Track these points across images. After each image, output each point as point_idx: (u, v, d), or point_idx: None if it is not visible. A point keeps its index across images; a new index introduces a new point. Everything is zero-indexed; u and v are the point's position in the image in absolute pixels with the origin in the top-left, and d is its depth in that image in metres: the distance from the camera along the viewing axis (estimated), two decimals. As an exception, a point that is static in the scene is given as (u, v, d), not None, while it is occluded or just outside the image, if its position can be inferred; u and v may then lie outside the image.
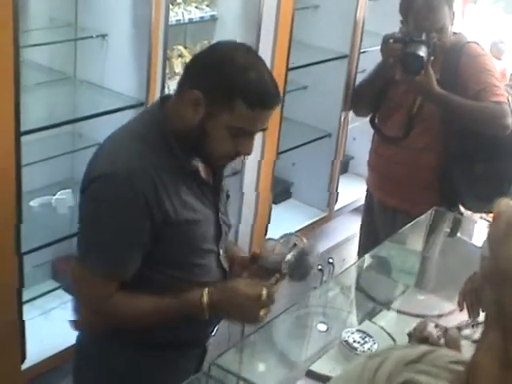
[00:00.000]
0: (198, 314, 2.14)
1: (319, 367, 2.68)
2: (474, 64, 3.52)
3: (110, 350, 2.25)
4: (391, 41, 3.54)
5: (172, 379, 2.25)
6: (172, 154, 2.06)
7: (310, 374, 2.64)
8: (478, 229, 3.71)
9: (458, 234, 3.68)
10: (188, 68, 2.13)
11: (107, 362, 2.28)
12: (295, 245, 2.38)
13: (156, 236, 2.05)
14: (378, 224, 4.00)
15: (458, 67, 3.56)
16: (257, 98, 2.00)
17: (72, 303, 2.27)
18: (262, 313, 2.17)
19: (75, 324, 2.25)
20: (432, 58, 3.47)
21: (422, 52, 3.43)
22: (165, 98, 2.18)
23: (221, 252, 2.30)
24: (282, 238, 2.45)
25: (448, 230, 3.63)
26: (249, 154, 2.19)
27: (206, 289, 2.13)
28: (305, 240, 2.41)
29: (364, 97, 3.88)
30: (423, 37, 3.46)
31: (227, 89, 1.99)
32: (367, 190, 4.11)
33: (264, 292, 2.14)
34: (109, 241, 2.02)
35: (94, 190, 2.00)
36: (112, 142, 2.11)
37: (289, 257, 2.34)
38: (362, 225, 4.20)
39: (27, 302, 2.85)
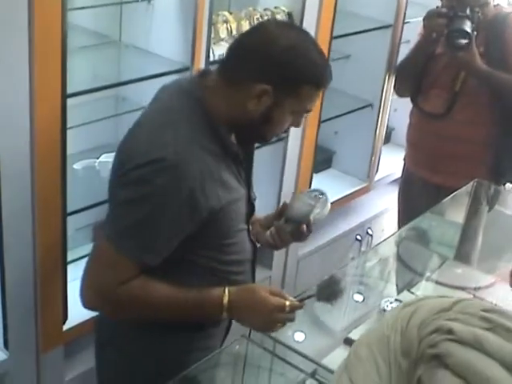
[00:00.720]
0: (215, 312, 2.13)
1: (357, 335, 2.69)
2: None
3: (126, 329, 2.26)
4: (435, 15, 3.51)
5: (195, 357, 2.23)
6: (216, 136, 2.04)
7: (348, 342, 2.66)
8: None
9: (497, 207, 3.67)
10: (240, 56, 2.07)
11: (126, 345, 2.29)
12: (319, 197, 2.40)
13: (196, 226, 2.04)
14: (419, 201, 3.95)
15: (504, 39, 3.53)
16: (320, 79, 2.05)
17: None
18: (278, 324, 2.17)
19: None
20: (475, 32, 3.45)
21: (468, 27, 3.40)
22: (203, 75, 2.16)
23: (250, 227, 2.31)
24: (308, 191, 2.48)
25: (487, 202, 3.61)
26: (299, 127, 2.23)
27: (227, 289, 2.11)
28: (328, 196, 2.42)
29: (406, 75, 3.86)
30: (467, 11, 3.43)
31: (294, 78, 2.01)
32: (404, 167, 4.10)
33: (287, 304, 2.13)
34: (144, 226, 1.98)
35: (140, 174, 1.95)
36: (155, 120, 2.07)
37: (316, 211, 2.35)
38: (399, 203, 4.18)
39: (71, 262, 2.87)
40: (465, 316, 0.93)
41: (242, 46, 2.10)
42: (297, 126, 2.18)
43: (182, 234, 2.03)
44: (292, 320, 2.17)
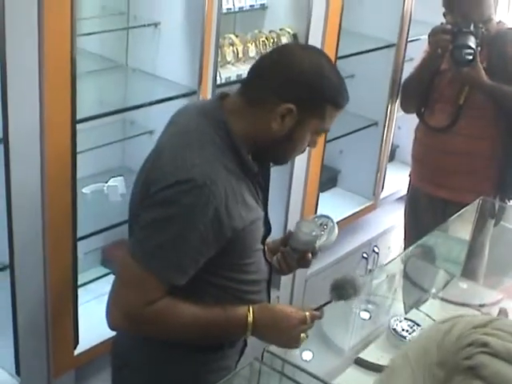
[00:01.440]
0: (240, 331, 2.16)
1: (368, 355, 2.70)
2: None
3: (145, 350, 2.27)
4: (440, 32, 3.54)
5: (212, 378, 2.24)
6: (238, 156, 2.06)
7: (359, 362, 2.66)
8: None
9: (502, 222, 3.68)
10: (264, 76, 2.09)
11: (143, 366, 2.29)
12: (325, 225, 2.40)
13: (220, 246, 2.05)
14: (426, 218, 3.96)
15: (506, 54, 3.56)
16: (342, 100, 2.08)
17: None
18: (302, 336, 2.21)
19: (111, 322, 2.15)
20: (479, 48, 3.47)
21: (472, 43, 3.43)
22: (223, 97, 2.16)
23: (265, 248, 2.32)
24: (314, 218, 2.49)
25: (493, 219, 3.62)
26: (315, 147, 2.26)
27: (251, 308, 2.14)
28: (335, 222, 2.43)
29: (412, 91, 3.88)
30: (471, 28, 3.46)
31: (318, 98, 2.04)
32: (409, 184, 4.11)
33: (307, 314, 2.19)
34: (173, 245, 1.98)
35: (168, 195, 1.96)
36: (177, 143, 2.08)
37: (322, 239, 2.37)
38: (406, 219, 4.19)
39: (80, 286, 2.89)
40: (499, 332, 0.95)
41: (265, 65, 2.11)
42: (313, 146, 2.21)
43: (208, 254, 2.04)
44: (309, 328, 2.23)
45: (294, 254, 2.41)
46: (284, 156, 2.20)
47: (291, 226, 3.65)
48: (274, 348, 2.27)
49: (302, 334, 2.20)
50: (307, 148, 2.21)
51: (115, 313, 2.08)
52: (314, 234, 2.37)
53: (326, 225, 2.42)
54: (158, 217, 1.99)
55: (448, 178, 3.78)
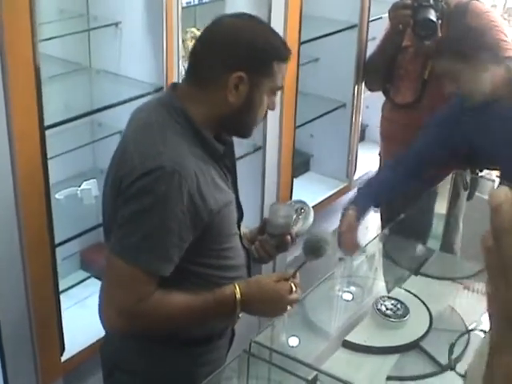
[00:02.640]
0: (231, 310, 2.18)
1: (355, 337, 2.70)
2: (480, 21, 3.51)
3: (135, 350, 2.28)
4: (400, 7, 3.55)
5: (205, 370, 2.27)
6: (202, 140, 2.09)
7: (347, 345, 2.66)
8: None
9: (478, 194, 3.69)
10: (206, 55, 2.11)
11: (134, 366, 2.30)
12: (301, 210, 2.41)
13: (198, 231, 2.07)
14: None
15: (464, 27, 3.56)
16: (285, 52, 2.15)
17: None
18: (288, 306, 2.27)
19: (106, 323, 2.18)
20: (440, 20, 3.48)
21: (433, 16, 3.44)
22: (174, 87, 2.21)
23: (241, 232, 2.34)
24: (289, 203, 2.49)
25: (466, 191, 3.63)
26: (274, 109, 2.27)
27: (237, 285, 2.18)
28: (310, 207, 2.44)
29: (375, 69, 3.89)
30: (431, 1, 3.47)
31: (263, 57, 2.09)
32: (380, 161, 4.12)
33: (292, 284, 2.24)
34: (156, 235, 2.00)
35: (140, 186, 1.98)
36: (141, 136, 2.09)
37: (299, 224, 2.37)
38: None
39: (62, 292, 2.88)
40: None
41: (203, 45, 2.15)
42: (273, 107, 2.22)
43: (188, 240, 2.06)
44: (298, 299, 2.31)
45: (272, 240, 2.42)
46: (248, 125, 2.21)
47: (267, 213, 3.68)
48: (260, 338, 2.28)
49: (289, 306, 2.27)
50: (268, 112, 2.24)
51: (110, 314, 2.08)
52: (289, 216, 2.39)
53: (302, 209, 2.42)
54: (136, 210, 2.00)
55: None
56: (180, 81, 2.88)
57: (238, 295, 2.16)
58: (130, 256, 2.01)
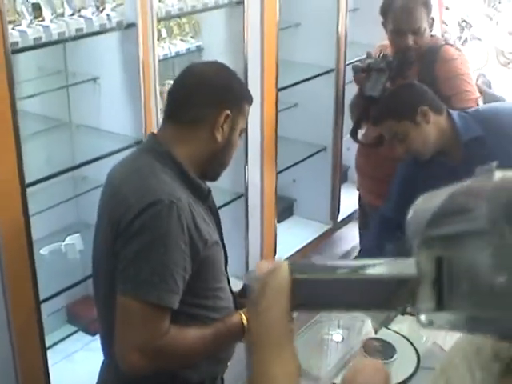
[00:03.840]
0: (240, 337, 2.18)
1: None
2: (447, 68, 3.55)
3: None
4: (358, 71, 3.63)
5: None
6: (188, 181, 2.12)
7: (336, 389, 2.66)
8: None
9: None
10: (188, 96, 2.16)
11: None
12: None
13: (196, 265, 2.08)
14: None
15: (434, 72, 3.61)
16: (251, 96, 2.27)
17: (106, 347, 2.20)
18: None
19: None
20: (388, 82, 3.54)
21: (379, 85, 3.51)
22: (154, 134, 2.25)
23: (228, 275, 2.35)
24: None
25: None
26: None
27: (241, 311, 2.20)
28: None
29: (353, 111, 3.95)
30: (382, 65, 3.54)
31: (240, 98, 2.20)
32: (359, 198, 4.16)
33: None
34: (164, 269, 1.99)
35: (141, 223, 1.98)
36: (132, 177, 2.11)
37: None
38: (359, 229, 4.23)
39: (48, 348, 2.86)
40: None
41: (185, 87, 2.19)
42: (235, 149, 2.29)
43: (189, 272, 2.06)
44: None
45: None
46: (223, 166, 2.27)
47: (252, 257, 3.68)
48: None
49: None
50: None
51: (132, 356, 2.05)
52: None
53: None
54: (140, 247, 2.00)
55: (384, 186, 3.83)
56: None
57: (245, 321, 2.16)
58: (142, 293, 2.00)
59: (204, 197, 2.18)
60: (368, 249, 3.51)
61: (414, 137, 3.15)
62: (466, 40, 6.74)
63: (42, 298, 2.71)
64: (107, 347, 2.23)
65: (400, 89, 3.37)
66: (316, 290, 1.01)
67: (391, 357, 2.69)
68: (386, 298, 0.96)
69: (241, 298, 2.44)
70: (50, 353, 2.84)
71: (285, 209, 4.36)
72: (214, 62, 2.41)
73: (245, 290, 2.45)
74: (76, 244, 2.94)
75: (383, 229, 3.44)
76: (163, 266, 1.99)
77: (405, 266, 0.93)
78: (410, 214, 0.94)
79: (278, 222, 4.00)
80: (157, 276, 1.99)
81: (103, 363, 2.33)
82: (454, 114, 3.22)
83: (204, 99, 2.13)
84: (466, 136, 3.15)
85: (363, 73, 3.60)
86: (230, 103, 2.14)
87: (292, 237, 4.10)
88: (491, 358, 0.97)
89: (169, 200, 1.98)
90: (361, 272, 0.97)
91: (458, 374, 1.02)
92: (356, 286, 0.98)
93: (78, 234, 2.96)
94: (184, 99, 2.16)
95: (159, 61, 2.97)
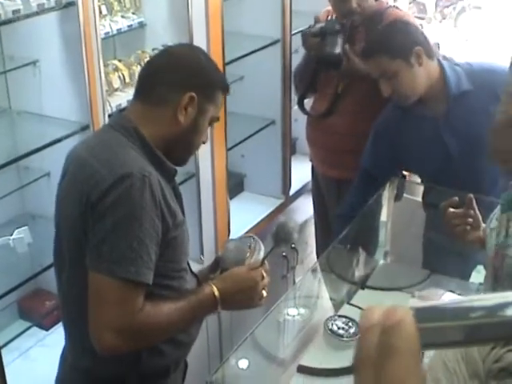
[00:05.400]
0: (213, 307, 2.20)
1: (309, 360, 2.66)
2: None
3: None
4: (309, 36, 3.65)
5: None
6: (156, 159, 2.11)
7: (302, 369, 2.62)
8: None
9: (406, 195, 3.70)
10: (158, 75, 2.18)
11: None
12: (251, 245, 2.43)
13: (164, 243, 2.05)
14: (328, 197, 4.06)
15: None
16: (226, 85, 2.31)
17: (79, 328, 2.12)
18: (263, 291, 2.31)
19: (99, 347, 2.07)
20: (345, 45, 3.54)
21: (338, 47, 3.53)
22: (122, 111, 2.27)
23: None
24: (239, 239, 2.58)
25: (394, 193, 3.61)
26: (206, 141, 2.35)
27: (210, 283, 2.21)
28: (260, 242, 2.47)
29: (301, 79, 3.91)
30: (336, 27, 3.52)
31: (213, 84, 2.22)
32: (312, 168, 4.17)
33: (262, 270, 2.29)
34: (140, 244, 1.96)
35: (116, 196, 1.95)
36: (102, 150, 2.09)
37: (253, 257, 2.41)
38: (313, 202, 4.26)
39: (2, 347, 2.75)
40: None
41: (157, 67, 2.22)
42: (206, 140, 2.31)
43: (158, 248, 2.04)
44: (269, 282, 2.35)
45: None
46: (188, 151, 2.29)
47: (206, 238, 3.62)
48: (216, 378, 2.30)
49: (263, 292, 2.30)
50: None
51: (108, 336, 2.01)
52: (242, 250, 2.42)
53: (252, 245, 2.44)
54: (114, 221, 1.96)
55: (335, 157, 3.83)
56: (106, 117, 2.81)
57: (217, 293, 2.18)
58: (119, 270, 1.96)
59: (171, 176, 2.19)
60: (351, 203, 3.50)
61: (403, 77, 3.12)
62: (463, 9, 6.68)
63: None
64: (74, 335, 2.22)
65: (395, 25, 3.33)
66: (447, 336, 0.94)
67: (357, 334, 2.66)
68: None
69: (212, 273, 2.43)
70: (3, 351, 2.73)
71: (235, 185, 4.28)
72: (191, 45, 2.58)
73: (215, 264, 2.48)
74: (24, 237, 2.82)
75: (365, 183, 3.43)
76: (139, 240, 1.96)
77: None
78: None
79: (230, 198, 3.93)
80: (133, 251, 1.96)
81: (62, 357, 2.32)
82: (446, 64, 3.18)
83: (168, 80, 2.14)
84: (455, 89, 3.11)
85: (315, 37, 3.57)
86: (197, 86, 2.15)
87: (244, 213, 4.04)
88: (468, 378, 0.97)
89: (140, 174, 1.97)
90: (500, 314, 0.89)
91: None
92: (494, 328, 0.91)
93: (25, 227, 2.84)
94: (150, 79, 2.19)
95: (101, 39, 2.83)
